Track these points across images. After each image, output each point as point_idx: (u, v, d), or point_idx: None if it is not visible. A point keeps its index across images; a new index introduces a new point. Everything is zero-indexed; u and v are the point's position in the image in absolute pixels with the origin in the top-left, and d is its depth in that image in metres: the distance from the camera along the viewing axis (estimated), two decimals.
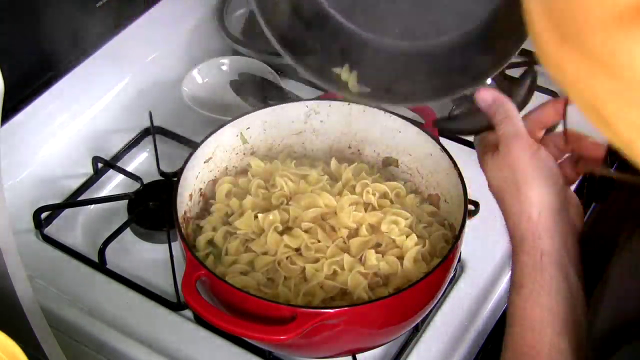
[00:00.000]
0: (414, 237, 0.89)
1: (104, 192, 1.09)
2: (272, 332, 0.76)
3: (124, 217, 1.04)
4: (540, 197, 0.70)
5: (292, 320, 0.76)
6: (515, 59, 0.81)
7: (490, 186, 0.75)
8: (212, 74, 1.23)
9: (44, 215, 1.04)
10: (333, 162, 0.99)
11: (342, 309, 0.79)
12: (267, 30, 0.86)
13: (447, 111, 1.17)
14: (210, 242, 0.91)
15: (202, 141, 0.94)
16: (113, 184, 1.11)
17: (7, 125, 1.01)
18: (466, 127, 0.83)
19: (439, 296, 0.88)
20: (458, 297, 0.97)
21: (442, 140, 0.97)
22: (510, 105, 0.74)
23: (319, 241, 0.88)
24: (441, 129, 0.94)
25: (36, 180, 1.08)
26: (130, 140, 1.15)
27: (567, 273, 0.70)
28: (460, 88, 0.84)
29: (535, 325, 0.68)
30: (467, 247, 0.96)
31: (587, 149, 0.75)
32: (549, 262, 0.69)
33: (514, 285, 0.71)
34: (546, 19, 0.42)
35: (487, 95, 0.74)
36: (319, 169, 0.97)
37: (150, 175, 1.09)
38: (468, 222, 0.86)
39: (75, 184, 1.09)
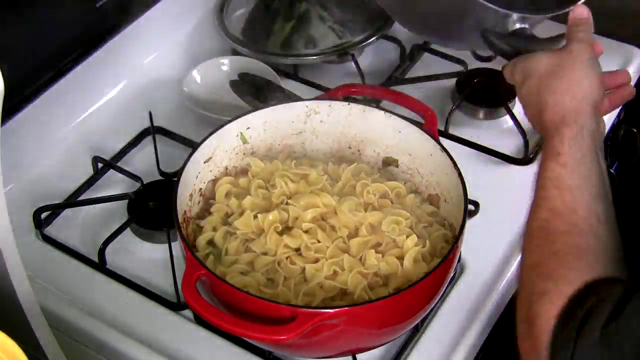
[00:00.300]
0: (414, 237, 0.89)
1: (104, 192, 1.09)
2: (272, 332, 0.76)
3: (124, 217, 1.04)
4: (588, 86, 0.80)
5: (292, 320, 0.76)
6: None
7: (532, 74, 0.84)
8: (212, 74, 1.23)
9: (44, 215, 1.04)
10: (330, 166, 0.99)
11: (342, 309, 0.79)
12: None
13: (448, 110, 1.18)
14: (210, 242, 0.91)
15: (202, 141, 0.94)
16: (113, 184, 1.11)
17: (7, 125, 1.01)
18: (524, 47, 0.91)
19: (439, 296, 0.88)
20: (458, 297, 0.97)
21: (442, 140, 0.97)
22: (592, 29, 0.85)
23: (318, 241, 0.88)
24: (495, 45, 0.97)
25: (36, 180, 1.08)
26: (130, 140, 1.15)
27: (598, 153, 0.77)
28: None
29: (573, 188, 0.73)
30: (467, 247, 0.96)
31: (619, 78, 0.88)
32: (588, 135, 0.77)
33: (551, 153, 0.77)
34: None
35: (584, 10, 0.86)
36: (319, 169, 0.97)
37: (150, 175, 1.09)
38: (468, 222, 0.86)
39: (75, 184, 1.09)
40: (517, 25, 0.95)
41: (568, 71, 0.81)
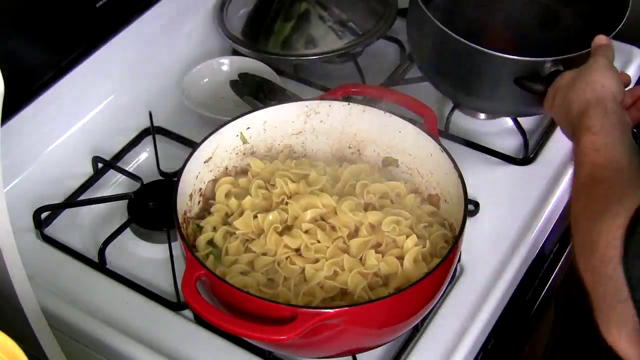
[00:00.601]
0: (414, 238, 0.89)
1: (104, 192, 1.09)
2: (272, 332, 0.76)
3: (124, 217, 1.04)
4: (605, 81, 0.87)
5: (292, 320, 0.76)
6: None
7: (559, 89, 0.93)
8: (212, 74, 1.23)
9: (44, 215, 1.04)
10: (330, 166, 0.99)
11: (342, 309, 0.79)
12: None
13: (448, 110, 1.18)
14: (210, 242, 0.91)
15: (202, 141, 0.94)
16: (113, 184, 1.11)
17: (7, 125, 1.01)
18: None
19: (439, 296, 0.88)
20: (458, 297, 0.97)
21: (442, 140, 0.97)
22: (613, 52, 0.95)
23: (318, 241, 0.88)
24: (530, 88, 1.02)
25: (36, 180, 1.08)
26: (130, 140, 1.15)
27: (628, 134, 0.83)
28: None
29: (608, 144, 0.80)
30: (467, 247, 0.96)
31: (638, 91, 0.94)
32: (613, 112, 0.84)
33: (583, 130, 0.83)
34: None
35: (604, 38, 0.96)
36: (319, 168, 0.97)
37: (150, 175, 1.09)
38: (468, 222, 0.86)
39: (75, 184, 1.09)
40: (553, 69, 1.00)
41: (587, 75, 0.89)
